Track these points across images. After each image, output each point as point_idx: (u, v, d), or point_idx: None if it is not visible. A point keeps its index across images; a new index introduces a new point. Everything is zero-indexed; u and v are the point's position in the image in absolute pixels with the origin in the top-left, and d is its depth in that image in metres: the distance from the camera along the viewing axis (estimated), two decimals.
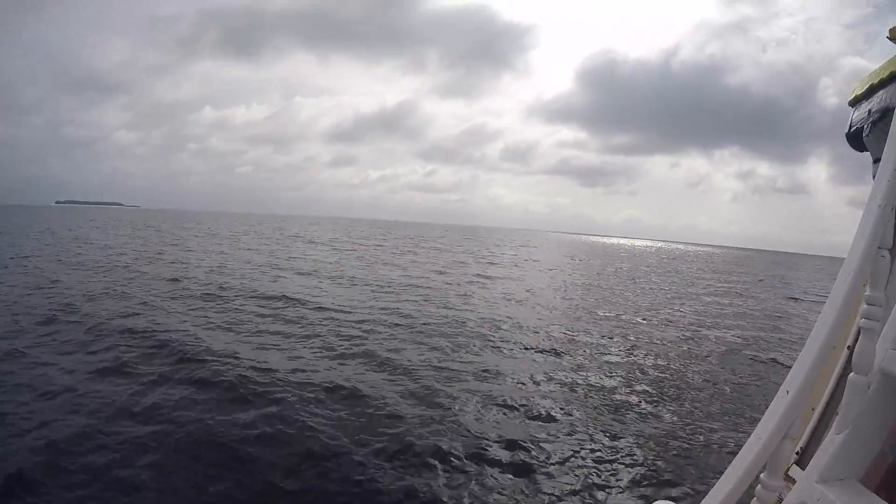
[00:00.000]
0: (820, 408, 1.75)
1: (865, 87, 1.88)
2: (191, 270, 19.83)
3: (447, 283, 20.59)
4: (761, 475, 1.19)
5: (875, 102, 1.82)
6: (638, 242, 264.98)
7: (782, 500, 1.70)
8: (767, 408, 1.22)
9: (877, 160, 1.93)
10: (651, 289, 26.25)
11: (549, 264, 39.13)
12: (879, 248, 1.25)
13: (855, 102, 1.98)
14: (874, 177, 2.00)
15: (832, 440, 1.27)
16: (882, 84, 1.78)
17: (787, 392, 1.18)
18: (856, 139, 2.02)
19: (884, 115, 1.75)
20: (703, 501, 1.20)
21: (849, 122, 2.01)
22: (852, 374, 1.24)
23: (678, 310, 18.80)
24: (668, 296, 23.44)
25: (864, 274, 1.24)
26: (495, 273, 27.30)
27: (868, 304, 1.25)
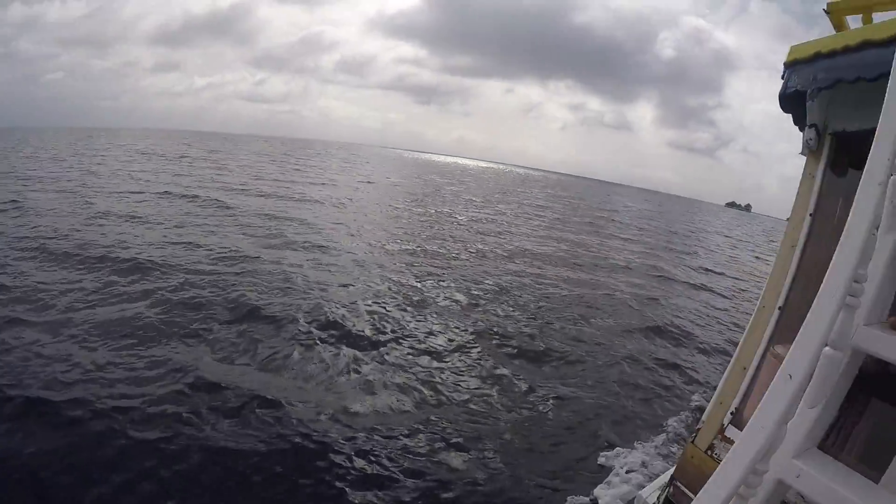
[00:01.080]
0: (751, 371, 1.88)
1: (810, 53, 1.93)
2: None
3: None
4: (757, 465, 1.15)
5: (822, 71, 1.87)
6: (469, 162, 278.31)
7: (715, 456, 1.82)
8: (765, 394, 1.17)
9: (812, 125, 2.03)
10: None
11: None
12: (875, 228, 1.24)
13: (792, 64, 2.04)
14: (808, 142, 2.14)
15: (805, 414, 1.29)
16: (832, 54, 1.81)
17: (790, 377, 1.14)
18: (790, 100, 2.09)
19: (832, 85, 1.78)
20: (706, 488, 1.14)
21: (784, 83, 2.06)
22: (828, 349, 1.24)
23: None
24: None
25: (867, 254, 1.23)
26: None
27: (855, 281, 1.24)
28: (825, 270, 1.27)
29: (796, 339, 1.21)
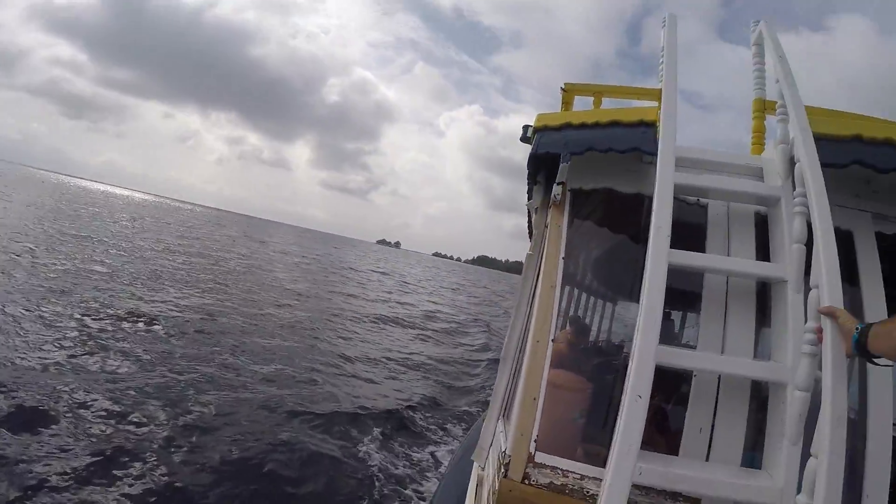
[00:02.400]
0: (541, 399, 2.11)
1: (559, 123, 2.34)
2: None
3: None
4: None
5: (574, 140, 2.26)
6: (117, 190, 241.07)
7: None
8: (623, 416, 1.46)
9: (559, 182, 2.38)
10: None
11: None
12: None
13: (542, 129, 2.39)
14: (555, 197, 2.39)
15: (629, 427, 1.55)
16: (581, 126, 2.28)
17: (640, 397, 1.46)
18: (538, 160, 2.45)
19: (583, 153, 2.22)
20: None
21: (536, 145, 2.38)
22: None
23: None
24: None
25: (663, 290, 1.64)
26: None
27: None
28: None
29: (635, 366, 1.50)
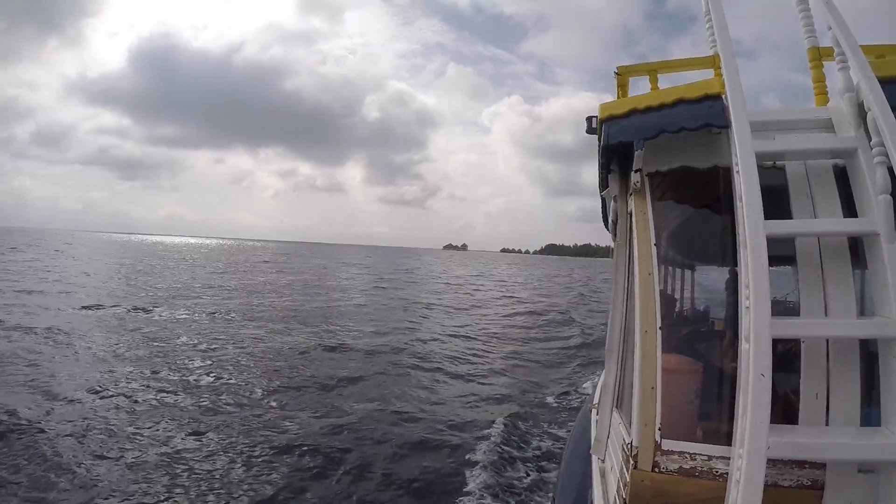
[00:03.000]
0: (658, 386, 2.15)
1: (625, 110, 2.34)
2: None
3: None
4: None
5: (645, 125, 2.26)
6: (177, 239, 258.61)
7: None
8: (749, 396, 1.48)
9: (637, 170, 2.40)
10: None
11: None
12: None
13: (608, 119, 2.39)
14: (635, 185, 2.41)
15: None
16: (647, 111, 2.26)
17: (763, 375, 1.47)
18: (611, 150, 2.47)
19: (656, 136, 2.22)
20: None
21: (606, 135, 2.39)
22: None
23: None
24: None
25: (766, 264, 1.62)
26: None
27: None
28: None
29: (753, 344, 1.50)
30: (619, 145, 2.36)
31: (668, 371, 2.18)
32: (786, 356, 2.07)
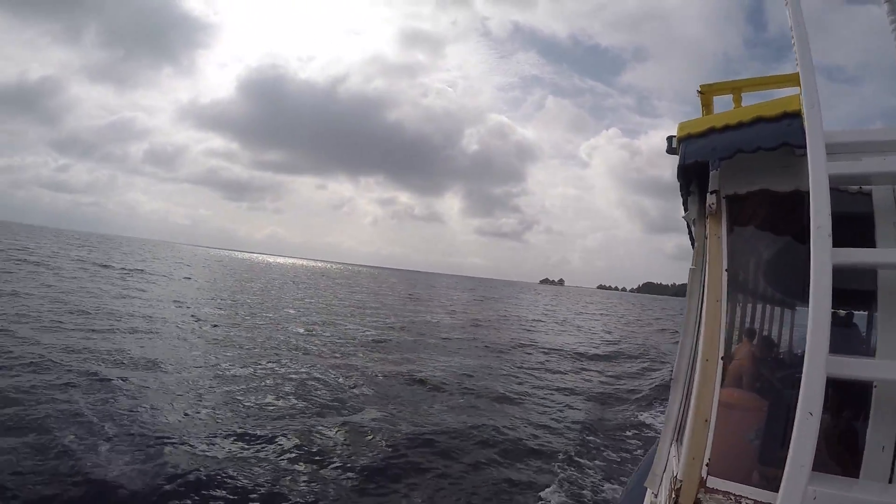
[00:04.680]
0: (713, 418, 1.98)
1: (703, 129, 2.24)
2: None
3: None
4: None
5: (720, 144, 2.16)
6: (280, 259, 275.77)
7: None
8: (793, 436, 1.28)
9: (713, 191, 2.28)
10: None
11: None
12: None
13: (685, 139, 2.30)
14: (710, 207, 2.28)
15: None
16: (724, 129, 2.15)
17: (811, 414, 1.27)
18: (687, 169, 2.36)
19: (732, 156, 2.11)
20: None
21: (683, 155, 2.31)
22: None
23: None
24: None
25: (830, 296, 1.41)
26: None
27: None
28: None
29: (804, 380, 1.32)
30: (695, 165, 2.27)
31: (728, 405, 2.02)
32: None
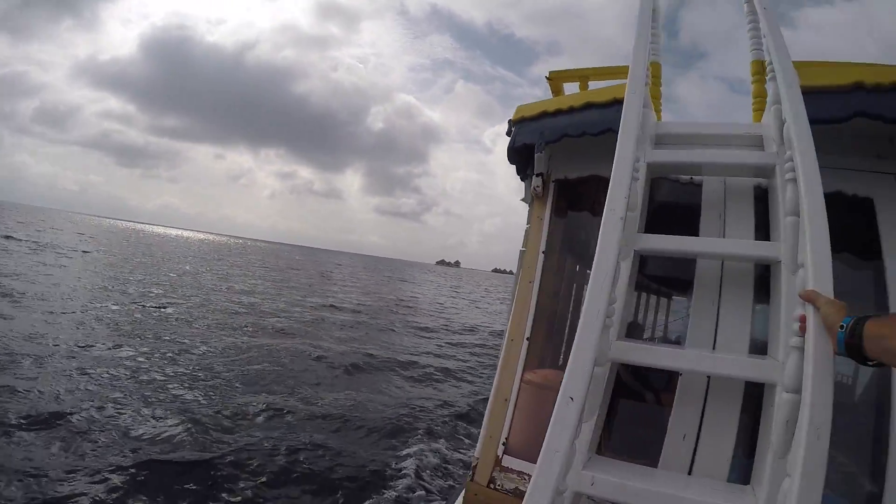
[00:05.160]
0: (512, 399, 1.97)
1: (536, 112, 2.22)
2: None
3: None
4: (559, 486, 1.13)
5: (548, 127, 2.14)
6: (174, 231, 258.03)
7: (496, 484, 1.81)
8: (552, 419, 1.19)
9: (539, 174, 2.28)
10: None
11: None
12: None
13: (519, 122, 2.29)
14: (535, 189, 2.31)
15: (582, 428, 1.35)
16: (556, 113, 2.14)
17: (572, 399, 1.19)
18: (517, 152, 2.35)
19: (558, 139, 2.10)
20: None
21: (513, 137, 2.30)
22: (597, 367, 1.33)
23: None
24: None
25: (612, 278, 1.34)
26: None
27: (609, 303, 1.35)
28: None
29: (570, 364, 1.24)
30: (523, 148, 2.24)
31: (532, 384, 2.02)
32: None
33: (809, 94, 1.60)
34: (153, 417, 6.73)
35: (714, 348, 1.67)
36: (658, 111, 2.43)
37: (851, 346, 1.05)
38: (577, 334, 1.29)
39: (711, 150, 1.89)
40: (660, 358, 1.52)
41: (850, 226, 1.80)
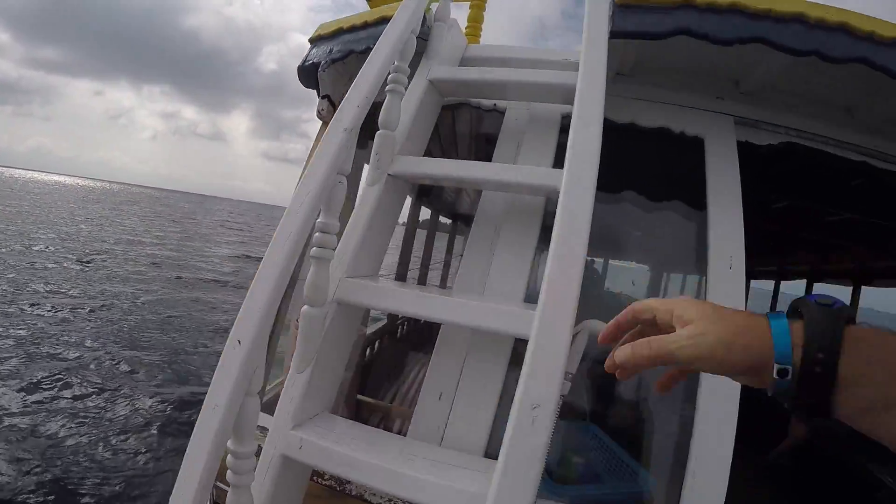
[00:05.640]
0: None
1: (332, 29, 1.97)
2: None
3: None
4: (229, 444, 0.93)
5: (338, 44, 1.91)
6: (48, 177, 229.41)
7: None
8: (217, 369, 0.95)
9: (324, 96, 2.11)
10: None
11: None
12: (338, 173, 1.18)
13: (317, 40, 2.05)
14: (320, 112, 2.16)
15: (295, 380, 1.16)
16: (351, 29, 1.89)
17: (240, 342, 0.96)
18: (307, 73, 2.10)
19: (344, 57, 1.85)
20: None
21: (305, 57, 2.07)
22: (306, 307, 1.15)
23: None
24: None
25: (321, 201, 1.13)
26: None
27: (322, 231, 1.16)
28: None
29: (244, 305, 0.99)
30: (312, 67, 1.99)
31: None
32: None
33: (633, 9, 1.43)
34: None
35: (484, 292, 1.47)
36: (477, 36, 2.24)
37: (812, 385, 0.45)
38: (263, 262, 1.04)
39: (513, 70, 1.66)
40: (396, 301, 1.24)
41: (681, 169, 1.71)
